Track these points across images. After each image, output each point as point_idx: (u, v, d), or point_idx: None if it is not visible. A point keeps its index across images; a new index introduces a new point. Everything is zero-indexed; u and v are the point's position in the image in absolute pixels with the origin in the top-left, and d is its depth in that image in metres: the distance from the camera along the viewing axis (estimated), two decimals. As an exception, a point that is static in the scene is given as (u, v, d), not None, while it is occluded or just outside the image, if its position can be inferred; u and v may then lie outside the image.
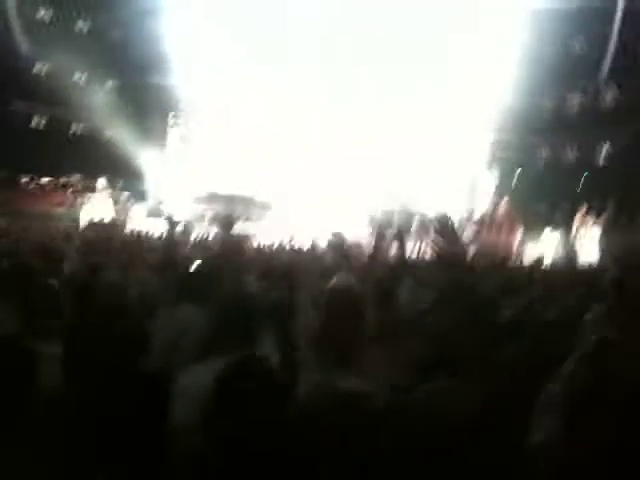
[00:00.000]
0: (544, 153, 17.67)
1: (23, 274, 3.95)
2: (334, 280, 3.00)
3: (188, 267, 4.53)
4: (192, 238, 8.54)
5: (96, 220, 11.83)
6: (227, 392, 2.25)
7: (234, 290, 3.82)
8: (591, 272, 5.67)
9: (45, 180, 16.33)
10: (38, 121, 17.58)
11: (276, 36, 17.39)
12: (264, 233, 12.63)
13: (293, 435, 1.90)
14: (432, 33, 17.39)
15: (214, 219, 13.61)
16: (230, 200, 15.49)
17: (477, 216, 16.38)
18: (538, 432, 2.19)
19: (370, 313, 2.97)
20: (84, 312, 3.65)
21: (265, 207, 15.79)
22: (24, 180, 16.26)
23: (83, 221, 13.13)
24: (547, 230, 15.51)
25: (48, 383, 2.73)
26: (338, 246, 5.24)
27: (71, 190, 15.77)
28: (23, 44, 17.54)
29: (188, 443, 2.35)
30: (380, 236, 4.39)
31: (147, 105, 17.34)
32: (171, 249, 5.06)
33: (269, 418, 2.12)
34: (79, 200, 15.27)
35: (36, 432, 2.26)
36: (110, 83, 18.02)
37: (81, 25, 17.94)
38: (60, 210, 15.00)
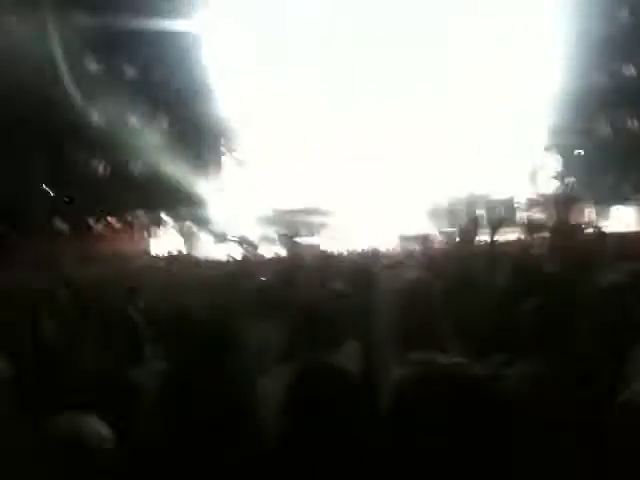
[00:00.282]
0: (605, 130, 17.21)
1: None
2: (406, 275, 3.05)
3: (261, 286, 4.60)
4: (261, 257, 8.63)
5: (173, 253, 12.06)
6: (297, 400, 2.30)
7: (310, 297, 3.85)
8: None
9: (112, 220, 16.76)
10: (98, 166, 18.08)
11: (306, 38, 17.63)
12: (331, 241, 12.68)
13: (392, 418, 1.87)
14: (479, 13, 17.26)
15: (278, 239, 13.76)
16: (292, 215, 15.60)
17: (541, 200, 16.07)
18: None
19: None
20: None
21: (328, 215, 15.84)
22: (91, 223, 16.69)
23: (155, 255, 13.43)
24: (616, 206, 15.14)
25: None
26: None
27: (138, 226, 16.14)
28: (76, 95, 18.10)
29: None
30: (469, 225, 4.47)
31: (199, 136, 17.66)
32: (245, 267, 5.17)
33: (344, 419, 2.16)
34: (146, 235, 15.63)
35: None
36: (161, 120, 18.42)
37: (128, 70, 18.44)
38: (131, 248, 15.34)
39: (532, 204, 15.96)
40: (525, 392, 2.36)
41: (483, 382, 1.89)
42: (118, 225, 16.77)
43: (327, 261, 6.98)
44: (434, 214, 15.45)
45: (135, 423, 2.82)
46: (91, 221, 16.72)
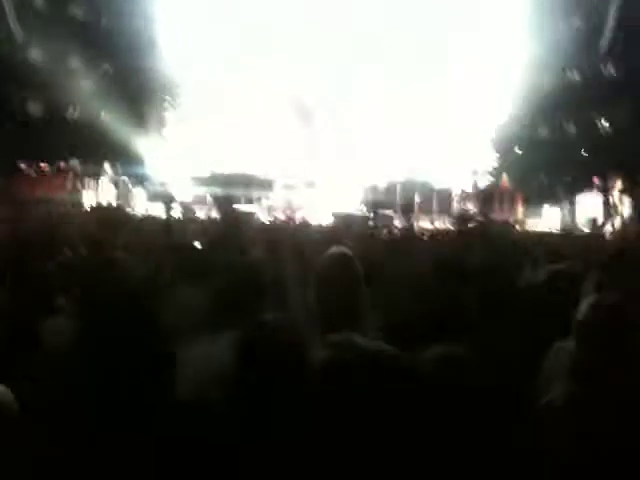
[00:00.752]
0: (544, 130, 17.62)
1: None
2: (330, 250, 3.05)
3: (188, 249, 4.55)
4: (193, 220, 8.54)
5: (102, 204, 11.82)
6: (253, 353, 2.29)
7: (237, 264, 3.81)
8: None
9: (44, 165, 16.29)
10: (35, 107, 17.47)
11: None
12: (267, 211, 12.62)
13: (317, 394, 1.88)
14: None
15: (214, 201, 13.61)
16: (231, 180, 15.33)
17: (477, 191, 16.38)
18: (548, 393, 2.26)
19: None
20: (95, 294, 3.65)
21: (267, 185, 15.69)
22: (23, 167, 16.22)
23: (86, 205, 13.13)
24: (547, 205, 15.57)
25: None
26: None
27: (71, 175, 15.73)
28: (17, 31, 17.43)
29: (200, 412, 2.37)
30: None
31: (142, 89, 17.25)
32: (169, 231, 5.11)
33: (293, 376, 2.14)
34: (79, 185, 15.25)
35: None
36: (105, 68, 17.90)
37: (74, 11, 17.82)
38: (61, 195, 14.97)
39: (466, 197, 16.23)
40: (442, 375, 2.42)
41: (401, 364, 1.91)
42: (49, 171, 16.29)
43: (259, 228, 6.98)
44: (372, 194, 15.53)
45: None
46: (22, 164, 16.20)
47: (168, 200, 5.71)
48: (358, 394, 1.80)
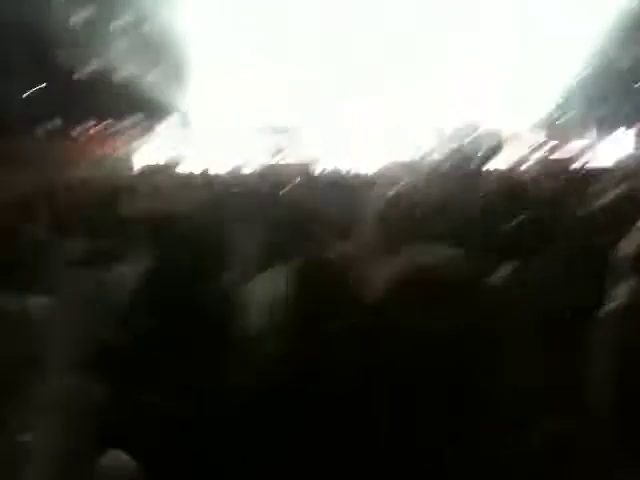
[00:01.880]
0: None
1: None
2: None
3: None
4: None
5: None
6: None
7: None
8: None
9: (97, 127, 16.48)
10: (81, 70, 17.60)
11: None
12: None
13: None
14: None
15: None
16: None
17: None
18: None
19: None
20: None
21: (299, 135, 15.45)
22: (76, 130, 16.43)
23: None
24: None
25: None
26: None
27: (126, 134, 15.89)
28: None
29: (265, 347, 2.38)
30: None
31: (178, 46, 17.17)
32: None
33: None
34: (135, 144, 15.39)
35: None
36: (151, 26, 17.87)
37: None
38: (116, 155, 15.11)
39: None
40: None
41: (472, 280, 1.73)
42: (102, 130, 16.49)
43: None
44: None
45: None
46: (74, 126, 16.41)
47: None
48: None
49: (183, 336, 2.56)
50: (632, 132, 14.68)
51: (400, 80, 16.59)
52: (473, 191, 5.02)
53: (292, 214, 3.56)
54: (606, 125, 15.48)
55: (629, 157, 11.51)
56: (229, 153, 13.71)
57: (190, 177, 9.60)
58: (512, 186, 5.20)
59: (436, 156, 12.43)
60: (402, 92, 16.43)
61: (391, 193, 3.36)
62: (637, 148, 13.51)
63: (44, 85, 16.80)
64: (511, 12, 16.65)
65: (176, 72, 16.83)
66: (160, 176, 8.75)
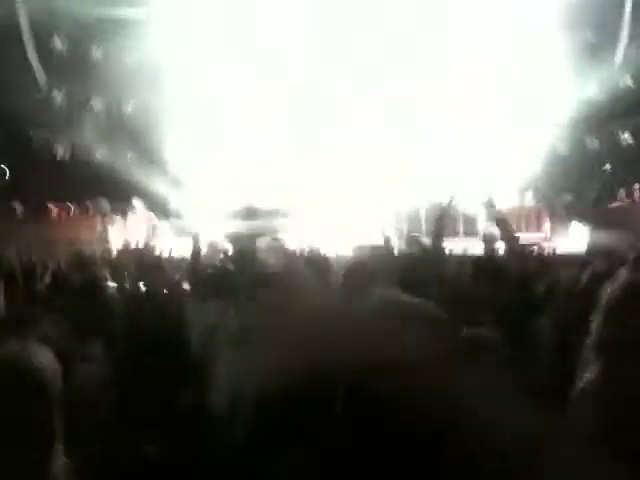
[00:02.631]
0: (566, 145, 17.63)
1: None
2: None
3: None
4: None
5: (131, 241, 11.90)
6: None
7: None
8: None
9: (71, 205, 16.55)
10: (59, 150, 17.78)
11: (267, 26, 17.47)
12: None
13: None
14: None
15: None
16: (254, 214, 15.24)
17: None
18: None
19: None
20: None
21: (284, 215, 15.55)
22: (52, 209, 16.49)
23: (115, 243, 13.24)
24: (574, 223, 15.41)
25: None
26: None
27: (99, 215, 15.95)
28: (39, 73, 17.81)
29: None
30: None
31: (162, 126, 17.45)
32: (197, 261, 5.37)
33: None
34: (106, 223, 15.43)
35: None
36: (127, 108, 18.20)
37: (95, 53, 18.13)
38: (90, 235, 15.15)
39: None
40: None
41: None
42: (77, 210, 16.54)
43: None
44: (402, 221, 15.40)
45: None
46: (50, 205, 16.45)
47: (194, 236, 5.94)
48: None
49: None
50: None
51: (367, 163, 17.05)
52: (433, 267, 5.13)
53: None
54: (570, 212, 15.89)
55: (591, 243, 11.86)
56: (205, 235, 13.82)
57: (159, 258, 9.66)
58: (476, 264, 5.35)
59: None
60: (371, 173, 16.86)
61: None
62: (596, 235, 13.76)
63: (20, 164, 16.92)
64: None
65: (152, 154, 17.06)
66: (132, 256, 8.84)
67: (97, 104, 18.10)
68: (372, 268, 4.21)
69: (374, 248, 7.61)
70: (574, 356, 2.85)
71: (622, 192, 16.12)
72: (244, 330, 3.32)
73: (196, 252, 5.74)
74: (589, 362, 2.49)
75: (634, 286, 2.32)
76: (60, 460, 1.62)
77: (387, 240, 5.98)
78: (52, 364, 1.65)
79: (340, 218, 15.23)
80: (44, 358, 1.65)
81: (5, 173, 17.47)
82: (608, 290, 2.39)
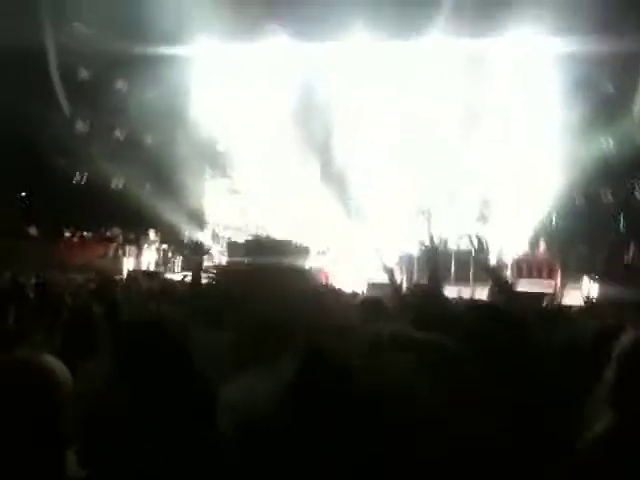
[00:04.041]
0: (580, 197, 17.62)
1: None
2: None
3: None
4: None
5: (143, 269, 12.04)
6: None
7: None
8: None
9: (87, 234, 16.71)
10: (79, 177, 18.00)
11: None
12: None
13: None
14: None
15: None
16: (265, 246, 15.19)
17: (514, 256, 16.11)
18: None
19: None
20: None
21: (304, 252, 15.54)
22: (67, 234, 16.65)
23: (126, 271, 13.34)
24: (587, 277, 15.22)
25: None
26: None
27: (114, 242, 16.07)
28: (63, 103, 18.11)
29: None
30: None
31: (184, 159, 17.65)
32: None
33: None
34: (120, 252, 15.54)
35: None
36: (148, 140, 18.43)
37: (120, 84, 18.45)
38: (103, 262, 15.28)
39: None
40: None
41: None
42: (93, 239, 16.70)
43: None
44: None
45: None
46: (67, 232, 16.63)
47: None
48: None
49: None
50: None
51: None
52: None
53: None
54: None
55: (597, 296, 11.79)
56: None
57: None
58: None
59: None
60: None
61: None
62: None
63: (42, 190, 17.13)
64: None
65: (170, 184, 17.22)
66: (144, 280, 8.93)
67: (119, 134, 18.36)
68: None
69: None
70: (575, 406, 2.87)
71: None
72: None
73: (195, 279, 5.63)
74: (599, 413, 2.49)
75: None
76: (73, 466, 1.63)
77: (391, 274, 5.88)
78: (63, 369, 1.68)
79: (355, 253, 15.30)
80: (55, 363, 1.68)
81: (24, 200, 17.71)
82: (623, 342, 2.41)
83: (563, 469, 2.34)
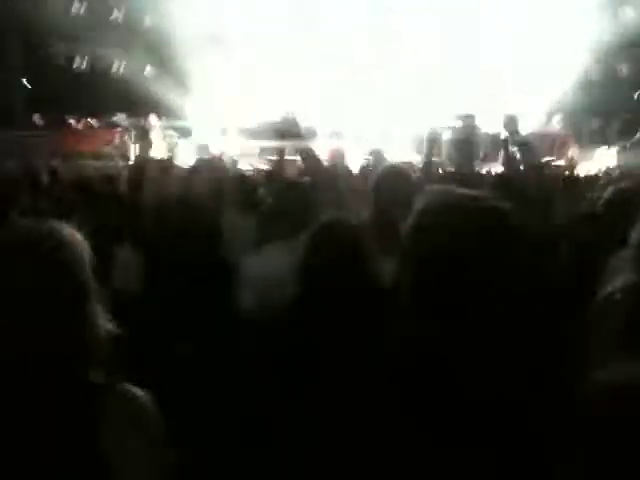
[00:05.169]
0: (596, 71, 17.21)
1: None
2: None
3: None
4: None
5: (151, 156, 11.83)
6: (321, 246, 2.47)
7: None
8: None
9: (92, 120, 16.49)
10: (80, 62, 17.61)
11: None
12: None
13: None
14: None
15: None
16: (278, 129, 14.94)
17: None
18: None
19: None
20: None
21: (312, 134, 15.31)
22: (71, 121, 16.44)
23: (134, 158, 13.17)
24: (601, 148, 15.18)
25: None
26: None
27: (119, 129, 15.84)
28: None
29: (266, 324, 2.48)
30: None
31: (184, 42, 17.12)
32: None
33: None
34: (126, 138, 15.33)
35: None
36: (147, 21, 17.89)
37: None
38: (109, 149, 15.15)
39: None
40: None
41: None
42: (97, 125, 16.50)
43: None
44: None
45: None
46: (71, 119, 16.41)
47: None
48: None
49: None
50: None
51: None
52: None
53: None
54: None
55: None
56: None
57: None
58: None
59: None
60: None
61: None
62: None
63: (41, 77, 16.79)
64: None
65: (173, 69, 16.82)
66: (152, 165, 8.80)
67: (119, 17, 17.81)
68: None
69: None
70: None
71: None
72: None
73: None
74: (620, 271, 2.47)
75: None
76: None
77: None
78: (82, 241, 1.60)
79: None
80: (75, 234, 1.60)
81: (26, 87, 17.35)
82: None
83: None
